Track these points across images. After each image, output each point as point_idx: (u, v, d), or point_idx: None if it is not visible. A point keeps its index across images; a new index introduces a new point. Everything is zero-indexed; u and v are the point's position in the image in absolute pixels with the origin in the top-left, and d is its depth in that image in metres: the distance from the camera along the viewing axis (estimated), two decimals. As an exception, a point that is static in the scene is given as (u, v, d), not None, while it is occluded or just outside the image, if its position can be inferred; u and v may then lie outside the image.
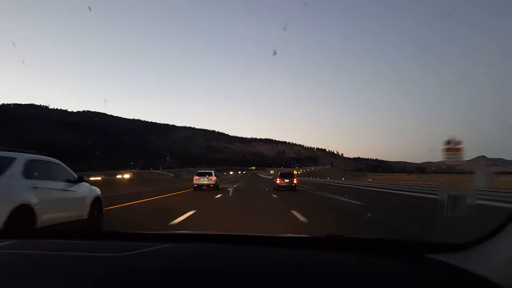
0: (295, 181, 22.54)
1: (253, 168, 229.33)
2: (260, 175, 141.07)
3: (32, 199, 4.42)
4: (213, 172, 23.45)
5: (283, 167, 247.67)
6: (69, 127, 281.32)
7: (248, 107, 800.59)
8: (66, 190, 5.35)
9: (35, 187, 4.56)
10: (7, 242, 1.39)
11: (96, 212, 6.11)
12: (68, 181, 5.53)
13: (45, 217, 4.57)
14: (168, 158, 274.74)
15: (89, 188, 6.12)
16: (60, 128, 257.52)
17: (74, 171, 5.88)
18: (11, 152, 4.72)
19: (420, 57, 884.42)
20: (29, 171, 4.63)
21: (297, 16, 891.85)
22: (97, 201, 6.23)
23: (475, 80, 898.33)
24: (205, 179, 22.43)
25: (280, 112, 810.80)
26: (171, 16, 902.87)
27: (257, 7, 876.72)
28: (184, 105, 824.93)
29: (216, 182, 22.92)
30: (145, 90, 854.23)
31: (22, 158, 4.67)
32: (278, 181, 22.68)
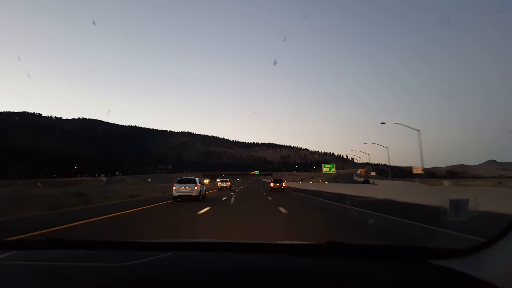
0: (283, 185, 38.04)
1: (257, 172, 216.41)
2: (267, 181, 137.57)
3: (202, 188, 21.66)
4: (228, 179, 42.57)
5: (296, 171, 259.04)
6: (64, 134, 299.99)
7: (249, 113, 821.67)
8: (202, 186, 22.53)
9: (201, 185, 21.81)
10: (7, 253, 1.51)
11: (204, 194, 23.31)
12: (200, 183, 22.67)
13: (204, 194, 21.82)
14: (169, 164, 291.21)
15: (203, 186, 23.34)
16: (54, 136, 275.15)
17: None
18: (194, 176, 22.10)
19: (424, 62, 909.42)
20: (199, 181, 21.82)
21: (297, 26, 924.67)
22: (205, 190, 23.49)
23: (483, 83, 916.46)
24: (224, 184, 41.82)
25: (283, 117, 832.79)
26: (170, 23, 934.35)
27: (258, 18, 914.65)
28: (183, 111, 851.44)
29: (230, 185, 41.88)
30: (143, 96, 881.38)
31: (196, 178, 22.03)
32: (272, 185, 37.84)
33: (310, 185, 51.79)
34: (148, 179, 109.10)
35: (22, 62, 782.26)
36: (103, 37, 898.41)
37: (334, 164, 78.63)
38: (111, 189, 41.92)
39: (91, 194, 24.43)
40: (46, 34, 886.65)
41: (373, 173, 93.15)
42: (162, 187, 44.06)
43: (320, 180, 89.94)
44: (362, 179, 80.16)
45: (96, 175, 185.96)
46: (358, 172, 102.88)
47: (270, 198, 22.36)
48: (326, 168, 76.57)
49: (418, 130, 40.71)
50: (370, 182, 58.56)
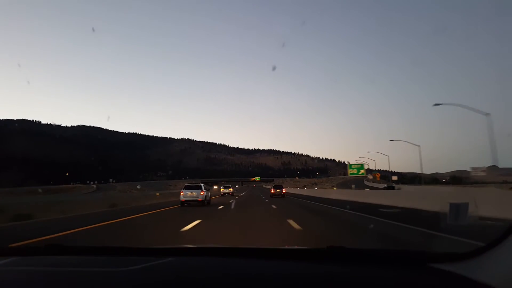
0: (284, 191, 38.77)
1: (258, 179, 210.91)
2: (268, 187, 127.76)
3: (207, 193, 22.70)
4: (230, 185, 44.95)
5: (298, 177, 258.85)
6: (63, 141, 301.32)
7: (249, 120, 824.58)
8: (207, 192, 23.44)
9: (206, 190, 22.75)
10: (8, 259, 1.52)
11: (209, 199, 24.25)
12: (206, 189, 23.60)
13: (209, 199, 23.00)
14: (168, 171, 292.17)
15: (208, 191, 24.22)
16: (54, 143, 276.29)
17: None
18: (200, 183, 23.27)
19: (422, 67, 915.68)
20: (203, 187, 22.83)
21: (296, 33, 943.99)
22: (209, 195, 24.47)
23: (483, 86, 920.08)
24: (226, 190, 44.15)
25: (283, 123, 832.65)
26: (169, 31, 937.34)
27: (256, 25, 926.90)
28: (183, 118, 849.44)
29: (233, 192, 44.45)
30: (143, 104, 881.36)
31: (202, 184, 23.15)
32: (272, 191, 38.44)
33: (335, 193, 36.38)
34: (137, 186, 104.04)
35: (22, 69, 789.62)
36: (103, 45, 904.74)
37: (363, 164, 63.01)
38: (79, 199, 37.60)
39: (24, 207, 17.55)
40: (46, 41, 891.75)
41: (394, 178, 79.58)
42: (151, 195, 42.25)
43: (353, 186, 75.52)
44: (385, 185, 66.03)
45: (88, 182, 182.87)
46: (370, 177, 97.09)
47: (291, 222, 11.76)
48: (353, 169, 60.46)
49: (487, 114, 31.07)
50: (395, 188, 49.16)
